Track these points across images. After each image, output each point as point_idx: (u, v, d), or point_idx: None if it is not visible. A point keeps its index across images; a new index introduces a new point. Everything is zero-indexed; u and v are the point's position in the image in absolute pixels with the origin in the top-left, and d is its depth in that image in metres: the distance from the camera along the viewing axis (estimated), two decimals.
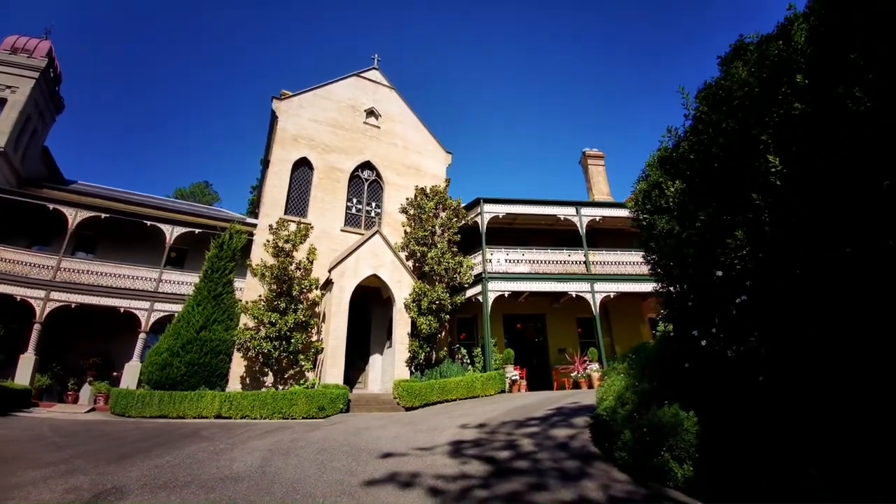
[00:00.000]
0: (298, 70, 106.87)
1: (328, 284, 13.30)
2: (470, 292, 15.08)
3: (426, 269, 14.25)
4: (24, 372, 12.81)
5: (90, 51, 77.33)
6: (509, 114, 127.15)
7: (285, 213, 14.60)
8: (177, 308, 14.09)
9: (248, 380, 12.22)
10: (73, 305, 13.97)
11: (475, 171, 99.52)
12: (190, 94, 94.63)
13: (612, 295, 15.09)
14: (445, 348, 14.52)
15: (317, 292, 13.64)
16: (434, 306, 13.23)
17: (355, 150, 16.79)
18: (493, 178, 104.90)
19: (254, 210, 26.26)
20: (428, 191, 15.75)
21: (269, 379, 12.24)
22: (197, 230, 15.90)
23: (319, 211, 15.20)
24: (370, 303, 14.79)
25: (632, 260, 15.59)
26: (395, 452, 5.80)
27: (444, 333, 14.94)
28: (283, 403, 9.83)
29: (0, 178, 15.23)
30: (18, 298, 13.44)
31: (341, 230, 15.33)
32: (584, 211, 16.35)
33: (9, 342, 13.29)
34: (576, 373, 13.77)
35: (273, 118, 16.19)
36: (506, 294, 14.63)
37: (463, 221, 15.59)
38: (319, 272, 13.80)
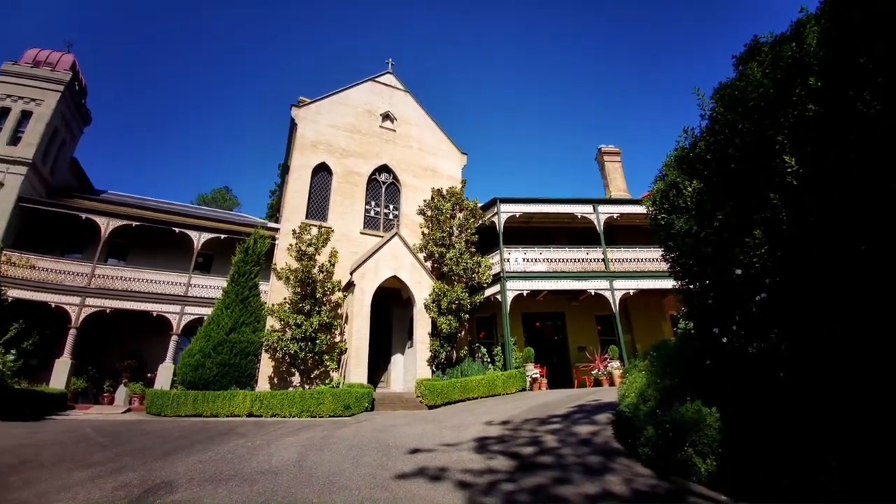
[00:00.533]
0: (299, 70, 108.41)
1: (350, 286, 13.64)
2: (488, 292, 15.24)
3: (445, 269, 14.47)
4: (59, 376, 13.50)
5: (89, 51, 79.81)
6: (509, 114, 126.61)
7: (306, 218, 15.02)
8: (206, 311, 14.62)
9: (275, 379, 12.65)
10: (107, 311, 14.65)
11: (480, 171, 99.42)
12: (191, 94, 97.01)
13: (631, 292, 15.04)
14: (465, 347, 14.73)
15: (339, 294, 14.00)
16: (454, 306, 13.44)
17: (372, 153, 17.12)
18: (498, 177, 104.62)
19: (273, 214, 26.92)
20: (444, 192, 15.94)
21: (296, 379, 12.65)
22: (223, 236, 16.44)
23: (339, 214, 15.57)
24: (391, 303, 15.10)
25: (651, 256, 15.52)
26: (423, 448, 6.02)
27: (463, 333, 15.15)
28: (311, 402, 10.18)
29: (30, 189, 15.96)
30: (53, 305, 14.16)
31: (361, 233, 15.67)
32: (602, 208, 16.33)
33: (43, 347, 13.98)
34: (596, 370, 13.79)
35: (292, 125, 16.64)
36: (524, 293, 14.73)
37: (480, 222, 15.75)
38: (341, 274, 14.16)
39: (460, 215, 15.49)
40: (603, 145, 22.89)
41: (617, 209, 16.52)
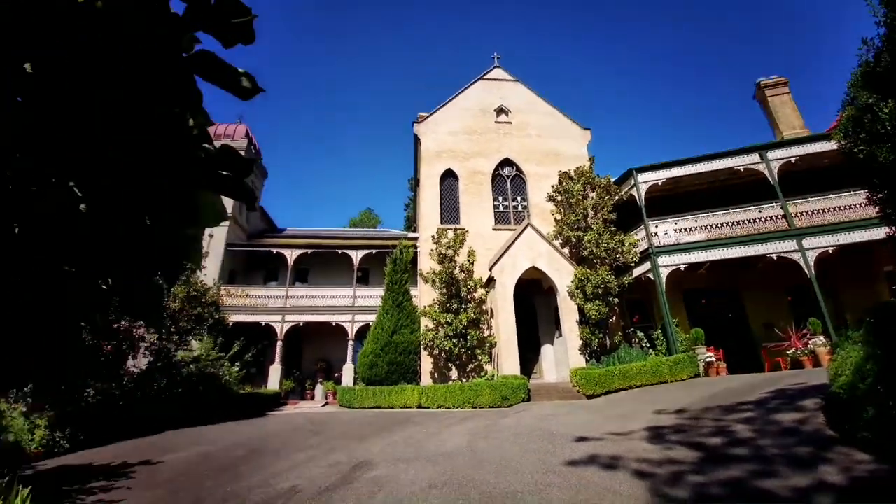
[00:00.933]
0: (411, 91, 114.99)
1: (490, 282, 14.05)
2: (637, 271, 13.98)
3: (584, 253, 13.80)
4: (273, 379, 16.95)
5: (253, 116, 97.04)
6: (632, 79, 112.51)
7: (441, 223, 16.00)
8: (370, 318, 16.78)
9: (435, 374, 13.78)
10: (301, 324, 17.94)
11: (608, 145, 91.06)
12: (327, 133, 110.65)
13: (830, 250, 12.08)
14: (619, 333, 13.76)
15: (481, 291, 14.53)
16: (600, 290, 12.71)
17: (492, 150, 17.33)
18: (631, 147, 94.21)
19: (411, 225, 29.35)
20: (572, 174, 15.22)
21: (454, 373, 13.56)
22: (374, 251, 18.70)
23: (470, 215, 16.18)
24: (533, 294, 15.04)
25: (850, 203, 12.24)
26: (589, 437, 5.87)
27: (614, 318, 14.19)
28: (471, 394, 10.81)
29: (233, 236, 20.47)
30: (263, 324, 17.88)
31: (493, 229, 16.00)
32: (773, 154, 13.50)
33: (259, 358, 17.68)
34: (793, 349, 11.45)
35: (416, 141, 17.96)
36: (681, 267, 13.10)
37: (616, 198, 14.56)
38: (480, 271, 14.69)
39: (593, 195, 14.58)
40: (762, 78, 18.88)
41: (794, 151, 13.44)
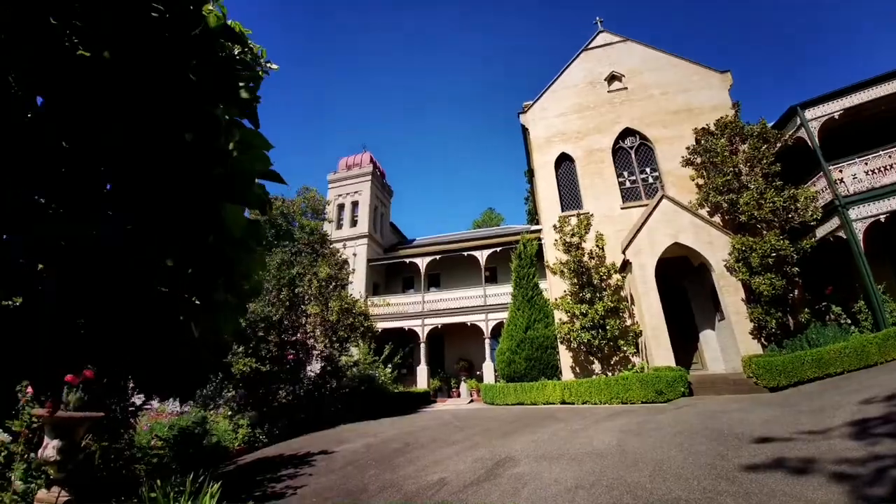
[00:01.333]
0: (513, 86, 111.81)
1: (626, 266, 12.83)
2: (821, 231, 11.20)
3: (742, 218, 11.60)
4: (421, 378, 18.23)
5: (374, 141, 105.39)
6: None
7: (562, 211, 15.23)
8: (502, 315, 16.90)
9: (577, 369, 13.10)
10: (439, 326, 19.01)
11: (757, 87, 75.13)
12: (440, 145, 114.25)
13: None
14: (805, 310, 11.13)
15: (616, 277, 13.36)
16: (770, 261, 10.50)
17: (609, 123, 15.86)
18: (790, 85, 75.95)
19: (533, 218, 28.68)
20: (712, 128, 12.99)
21: (597, 367, 12.71)
22: (498, 248, 18.84)
23: (593, 197, 15.03)
24: (680, 274, 13.25)
25: None
26: (774, 437, 4.86)
27: (797, 292, 11.54)
28: (618, 388, 9.97)
29: (372, 252, 22.73)
30: (406, 328, 19.41)
31: (621, 208, 14.59)
32: None
33: (407, 359, 19.20)
34: None
35: (524, 131, 17.51)
36: (881, 218, 10.06)
37: (778, 145, 11.90)
38: (612, 256, 13.53)
39: (744, 147, 12.17)
40: None
41: None
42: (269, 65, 1.96)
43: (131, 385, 7.75)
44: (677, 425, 6.30)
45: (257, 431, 9.46)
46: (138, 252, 1.48)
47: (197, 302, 1.70)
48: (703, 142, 12.92)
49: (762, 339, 10.59)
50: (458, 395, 18.60)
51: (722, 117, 13.00)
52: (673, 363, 10.87)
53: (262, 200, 1.76)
